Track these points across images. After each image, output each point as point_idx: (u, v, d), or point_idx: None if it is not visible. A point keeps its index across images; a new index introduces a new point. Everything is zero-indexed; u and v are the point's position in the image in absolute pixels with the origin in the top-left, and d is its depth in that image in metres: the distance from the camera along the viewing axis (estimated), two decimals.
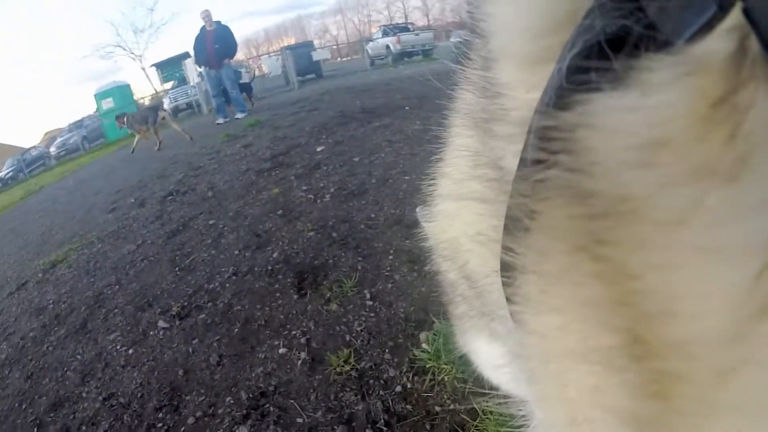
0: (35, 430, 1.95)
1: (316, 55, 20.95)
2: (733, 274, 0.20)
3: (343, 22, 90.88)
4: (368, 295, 2.14)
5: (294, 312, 2.17)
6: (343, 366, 1.73)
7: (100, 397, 2.00)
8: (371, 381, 1.65)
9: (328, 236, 2.86)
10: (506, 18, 0.33)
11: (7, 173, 25.75)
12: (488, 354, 0.69)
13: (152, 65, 28.39)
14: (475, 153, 0.43)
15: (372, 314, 2.02)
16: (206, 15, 10.29)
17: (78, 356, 2.40)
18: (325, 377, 1.72)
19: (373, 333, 1.90)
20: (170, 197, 4.92)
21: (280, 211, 3.51)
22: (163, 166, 7.10)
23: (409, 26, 27.72)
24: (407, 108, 6.27)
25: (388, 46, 22.19)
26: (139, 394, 1.94)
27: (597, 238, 0.25)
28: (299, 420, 1.57)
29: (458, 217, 0.52)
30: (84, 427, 1.86)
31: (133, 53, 44.33)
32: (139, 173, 7.31)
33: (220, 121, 10.66)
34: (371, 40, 25.18)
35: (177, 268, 3.05)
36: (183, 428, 1.69)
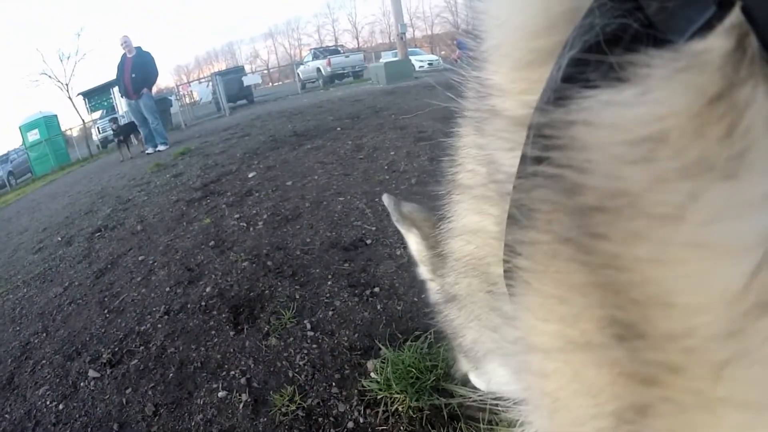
0: None
1: (247, 80, 21.05)
2: (729, 269, 0.20)
3: (274, 47, 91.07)
4: (309, 326, 2.04)
5: (231, 350, 2.04)
6: (288, 405, 1.62)
7: None
8: (320, 419, 1.55)
9: (263, 265, 2.76)
10: (500, 17, 0.34)
11: None
12: (500, 373, 0.66)
13: (79, 94, 27.41)
14: (476, 155, 0.44)
15: (314, 345, 1.91)
16: (125, 41, 9.96)
17: (6, 415, 2.18)
18: (269, 419, 1.61)
19: (317, 366, 1.79)
20: (98, 233, 4.70)
21: (212, 242, 3.38)
22: (92, 200, 6.82)
23: (339, 48, 28.12)
24: (339, 129, 6.33)
25: (318, 69, 22.55)
26: None
27: (589, 231, 0.25)
28: None
29: (480, 226, 0.49)
30: None
31: (59, 81, 42.39)
32: (66, 209, 6.99)
33: (150, 150, 10.33)
34: (302, 64, 25.57)
35: (106, 311, 2.85)
36: None
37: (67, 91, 40.99)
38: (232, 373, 1.90)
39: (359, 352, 1.80)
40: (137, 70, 9.90)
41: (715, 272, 0.20)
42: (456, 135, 0.53)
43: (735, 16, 0.19)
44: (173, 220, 4.22)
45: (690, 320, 0.21)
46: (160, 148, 10.23)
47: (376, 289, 2.18)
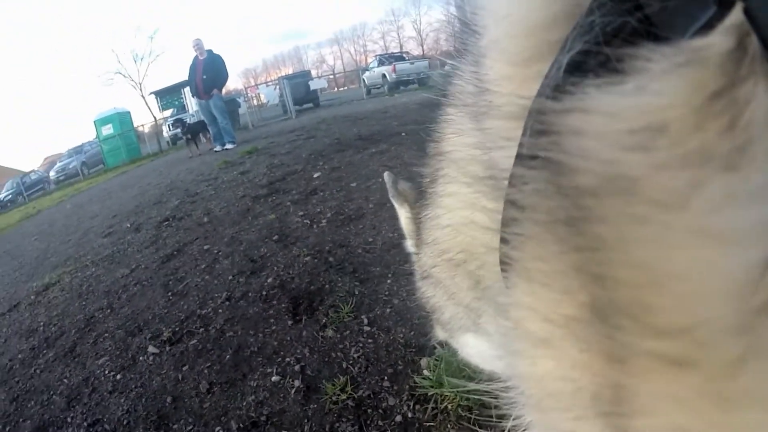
0: None
1: (314, 84, 21.27)
2: (737, 261, 0.19)
3: (340, 53, 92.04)
4: (366, 321, 2.09)
5: (288, 338, 2.11)
6: (339, 395, 1.67)
7: (85, 423, 1.95)
8: (369, 410, 1.59)
9: (325, 261, 2.82)
10: (499, 12, 0.33)
11: (6, 196, 26.03)
12: (475, 345, 0.71)
13: (151, 93, 28.68)
14: (471, 149, 0.44)
15: (370, 340, 1.96)
16: (197, 44, 10.33)
17: (65, 380, 2.34)
18: (320, 406, 1.66)
19: (371, 360, 1.84)
20: (166, 223, 4.89)
21: (276, 236, 3.47)
22: (161, 192, 7.10)
23: (405, 55, 28.13)
24: (403, 134, 6.30)
25: (384, 75, 22.52)
26: (125, 422, 1.88)
27: (581, 213, 0.25)
28: None
29: (472, 219, 0.49)
30: None
31: (133, 80, 44.54)
32: (136, 198, 7.31)
33: (218, 148, 10.65)
34: (367, 70, 25.59)
35: (170, 293, 3.00)
36: None
37: (140, 89, 43.13)
38: (287, 359, 1.96)
39: (414, 350, 1.82)
40: (208, 72, 10.27)
41: (723, 261, 0.20)
42: (445, 123, 0.54)
43: (736, 16, 0.19)
44: (239, 214, 4.35)
45: (698, 312, 0.21)
46: (228, 146, 10.55)
47: None
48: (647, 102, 0.21)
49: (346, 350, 1.93)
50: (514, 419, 0.37)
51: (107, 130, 22.04)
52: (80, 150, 26.00)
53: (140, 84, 44.07)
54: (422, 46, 76.71)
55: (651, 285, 0.22)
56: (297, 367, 1.89)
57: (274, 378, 1.87)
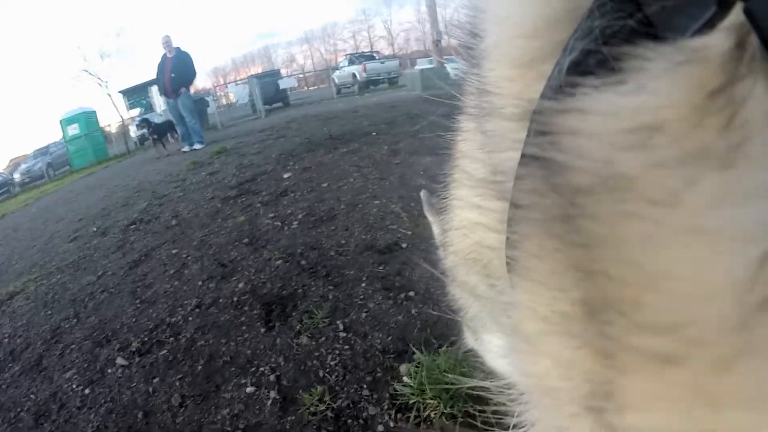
0: None
1: (283, 84, 21.28)
2: (734, 258, 0.19)
3: (310, 52, 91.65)
4: (341, 326, 2.03)
5: (262, 347, 2.04)
6: (317, 405, 1.60)
7: None
8: (349, 421, 1.53)
9: (297, 264, 2.75)
10: (500, 15, 0.34)
11: None
12: (496, 345, 0.68)
13: (119, 92, 28.18)
14: (474, 151, 0.44)
15: (346, 347, 1.89)
16: (166, 41, 10.20)
17: (32, 396, 2.22)
18: (297, 418, 1.59)
19: (349, 367, 1.77)
20: (133, 226, 4.78)
21: (246, 239, 3.39)
22: (128, 194, 6.96)
23: (375, 55, 28.24)
24: (374, 134, 6.32)
25: (354, 75, 22.68)
26: None
27: (575, 211, 0.25)
28: None
29: (478, 221, 0.49)
30: None
31: (99, 79, 43.48)
32: (102, 201, 7.16)
33: (186, 148, 10.50)
34: (337, 69, 25.71)
35: (138, 301, 2.89)
36: None
37: (107, 88, 42.07)
38: (262, 369, 1.89)
39: (392, 356, 1.77)
40: (176, 70, 10.13)
41: (718, 260, 0.20)
42: (456, 131, 0.54)
43: (736, 16, 0.19)
44: (208, 217, 4.26)
45: (691, 309, 0.21)
46: (197, 146, 10.39)
47: (411, 293, 2.15)
48: (644, 101, 0.21)
49: (322, 358, 1.86)
50: (516, 416, 0.38)
51: (73, 130, 21.44)
52: (46, 151, 25.28)
53: (107, 83, 43.15)
54: (393, 46, 77.31)
55: (642, 282, 0.22)
56: (272, 377, 1.82)
57: (248, 389, 1.79)
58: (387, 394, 1.58)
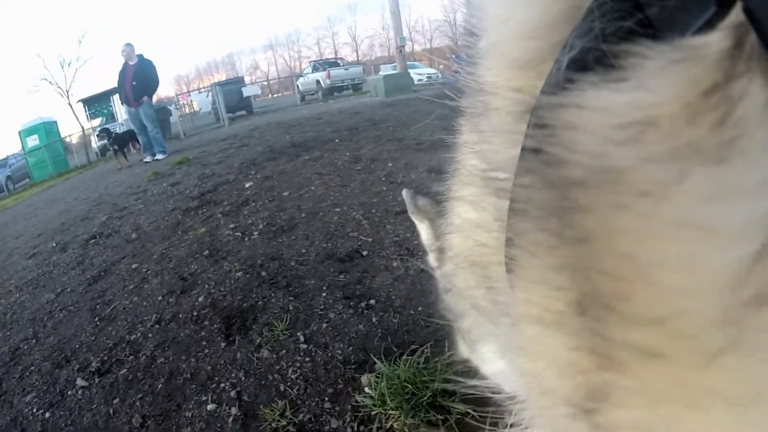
0: None
1: (247, 91, 21.18)
2: (724, 253, 0.19)
3: (274, 59, 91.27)
4: (302, 338, 1.99)
5: (222, 362, 1.99)
6: (278, 420, 1.56)
7: None
8: None
9: (257, 276, 2.71)
10: (500, 15, 0.33)
11: None
12: (494, 359, 0.69)
13: (79, 101, 27.40)
14: (473, 152, 0.44)
15: (307, 359, 1.86)
16: (127, 49, 9.96)
17: None
18: None
19: (310, 380, 1.74)
20: (93, 240, 4.65)
21: (207, 251, 3.33)
22: (88, 207, 6.79)
23: (339, 61, 28.29)
24: (337, 140, 6.34)
25: (318, 81, 22.66)
26: None
27: (569, 204, 0.25)
28: None
29: (478, 222, 0.49)
30: None
31: (60, 87, 41.93)
32: (62, 215, 6.96)
33: (148, 159, 10.27)
34: (301, 76, 25.66)
35: (97, 318, 2.80)
36: None
37: (68, 97, 40.73)
38: (222, 385, 1.84)
39: (353, 366, 1.75)
40: (138, 78, 9.88)
41: (708, 254, 0.20)
42: (456, 132, 0.53)
43: (735, 15, 0.19)
44: (168, 229, 4.18)
45: (679, 302, 0.21)
46: (159, 156, 10.18)
47: (372, 302, 2.13)
48: (639, 97, 0.22)
49: (283, 371, 1.82)
50: (515, 415, 0.38)
51: (32, 141, 20.79)
52: (5, 163, 24.36)
53: (67, 91, 41.57)
54: (357, 52, 77.44)
55: (631, 275, 0.23)
56: (233, 393, 1.78)
57: (209, 406, 1.74)
58: (349, 406, 1.56)
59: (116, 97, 16.53)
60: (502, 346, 0.44)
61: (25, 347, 2.75)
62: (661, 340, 0.22)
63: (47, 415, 2.02)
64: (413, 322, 1.92)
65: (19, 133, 21.58)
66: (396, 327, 1.90)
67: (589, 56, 0.24)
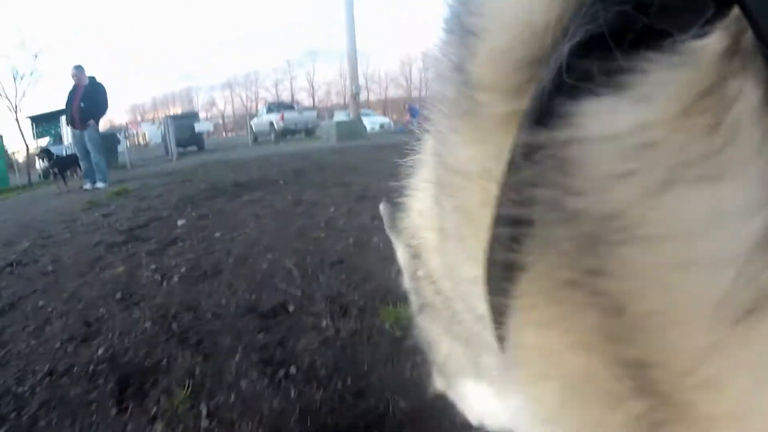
0: None
1: (199, 127, 21.30)
2: (709, 282, 0.20)
3: (231, 97, 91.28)
4: (205, 411, 1.68)
5: None
6: None
7: None
8: None
9: (167, 328, 2.40)
10: (497, 15, 0.33)
11: None
12: (475, 394, 0.67)
13: (27, 117, 26.24)
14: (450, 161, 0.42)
15: None
16: (76, 72, 9.61)
17: None
18: None
19: None
20: (9, 268, 4.26)
21: (119, 293, 2.99)
22: (15, 231, 6.30)
23: (294, 105, 28.54)
24: (281, 182, 6.29)
25: (272, 123, 22.86)
26: None
27: (590, 269, 0.25)
28: None
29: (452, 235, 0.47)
30: None
31: (9, 100, 40.01)
32: None
33: (88, 186, 9.82)
34: (256, 116, 25.80)
35: None
36: None
37: (16, 112, 39.06)
38: None
39: None
40: (87, 100, 9.51)
41: (697, 286, 0.21)
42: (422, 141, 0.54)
43: (732, 13, 0.20)
44: (87, 264, 3.85)
45: (678, 340, 0.22)
46: (99, 185, 9.73)
47: (293, 370, 1.84)
48: (639, 118, 0.22)
49: None
50: None
51: None
52: None
53: (17, 106, 39.85)
54: (313, 98, 78.61)
55: (656, 335, 0.23)
56: None
57: None
58: None
59: (65, 118, 16.01)
60: (490, 379, 0.42)
61: None
62: (672, 381, 0.22)
63: None
64: (339, 399, 1.63)
65: None
66: (318, 405, 1.61)
67: (595, 64, 0.23)
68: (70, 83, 9.89)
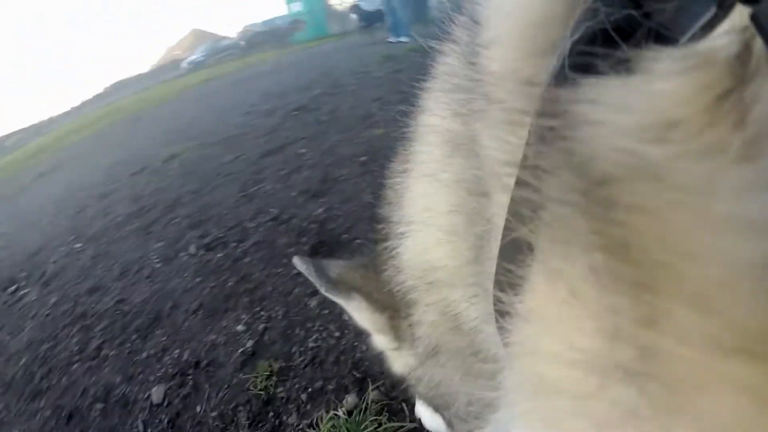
0: None
1: None
2: (754, 246, 0.19)
3: None
4: None
5: None
6: None
7: None
8: None
9: None
10: (506, 6, 0.33)
11: (199, 57, 28.60)
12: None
13: None
14: (456, 152, 0.42)
15: None
16: None
17: None
18: None
19: None
20: (294, 112, 4.83)
21: (364, 158, 3.01)
22: (316, 77, 7.10)
23: None
24: None
25: None
26: None
27: (611, 202, 0.24)
28: None
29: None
30: None
31: None
32: (295, 77, 7.53)
33: (391, 39, 9.61)
34: None
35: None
36: None
37: None
38: None
39: None
40: None
41: (745, 246, 0.19)
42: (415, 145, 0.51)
43: (740, 20, 0.19)
44: (356, 119, 4.06)
45: (711, 288, 0.20)
46: (402, 39, 9.37)
47: None
48: (658, 99, 0.21)
49: None
50: None
51: (296, 7, 21.72)
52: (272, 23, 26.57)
53: None
54: None
55: (681, 271, 0.22)
56: None
57: None
58: None
59: None
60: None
61: None
62: (692, 317, 0.21)
63: None
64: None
65: None
66: None
67: (594, 52, 0.23)
68: None
